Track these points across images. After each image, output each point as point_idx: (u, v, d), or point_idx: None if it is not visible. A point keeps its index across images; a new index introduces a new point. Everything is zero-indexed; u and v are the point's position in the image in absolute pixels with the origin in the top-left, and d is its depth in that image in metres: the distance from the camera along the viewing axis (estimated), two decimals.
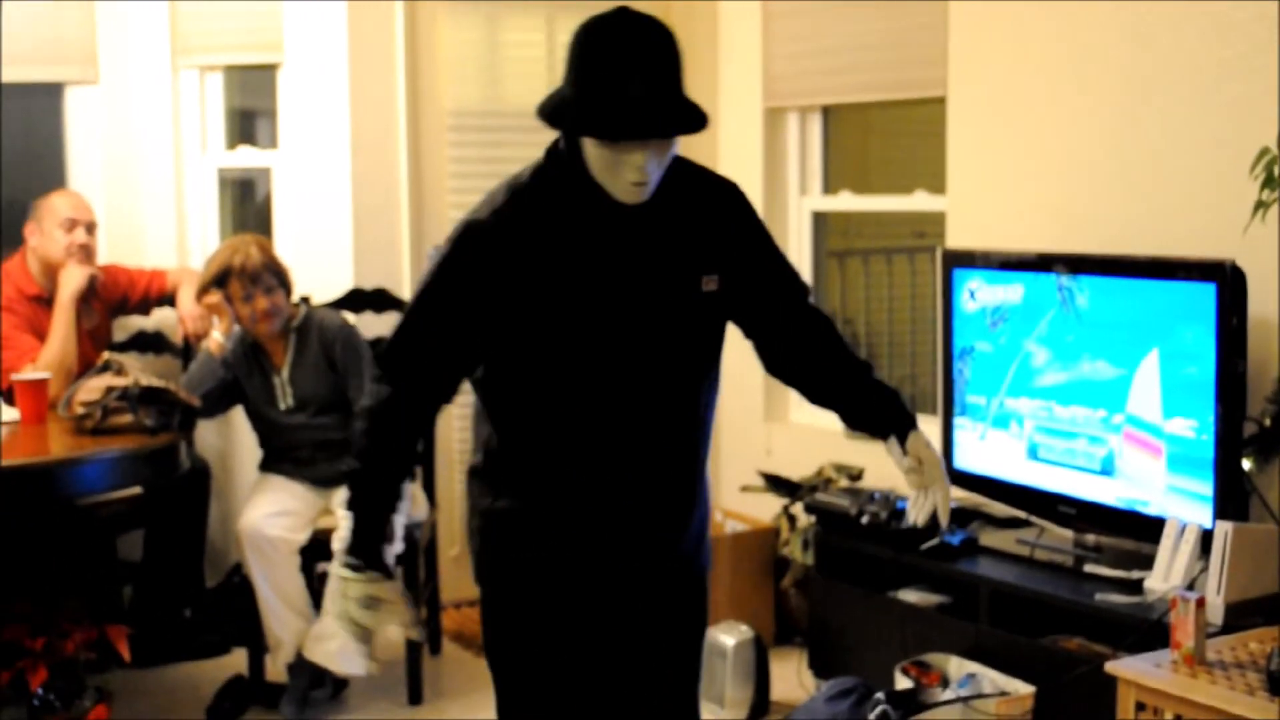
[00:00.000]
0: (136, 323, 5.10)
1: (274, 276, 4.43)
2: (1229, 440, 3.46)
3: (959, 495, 4.32)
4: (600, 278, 2.41)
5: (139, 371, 4.23)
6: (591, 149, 2.34)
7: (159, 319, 5.09)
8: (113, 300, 4.91)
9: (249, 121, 5.71)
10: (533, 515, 2.50)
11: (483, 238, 2.38)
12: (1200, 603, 2.97)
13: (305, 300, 4.68)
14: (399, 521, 4.35)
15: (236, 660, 4.67)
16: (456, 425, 5.38)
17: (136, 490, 4.67)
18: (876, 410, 2.66)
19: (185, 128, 5.39)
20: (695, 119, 2.33)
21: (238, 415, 4.74)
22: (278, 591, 4.33)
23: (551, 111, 2.37)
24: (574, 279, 2.39)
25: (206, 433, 5.13)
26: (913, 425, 2.64)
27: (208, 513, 4.97)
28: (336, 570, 2.47)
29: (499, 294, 2.38)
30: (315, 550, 4.40)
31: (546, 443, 2.47)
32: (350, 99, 5.19)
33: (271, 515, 4.35)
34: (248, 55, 5.36)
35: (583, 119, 2.31)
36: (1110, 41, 4.09)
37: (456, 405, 5.42)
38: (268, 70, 5.36)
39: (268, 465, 4.59)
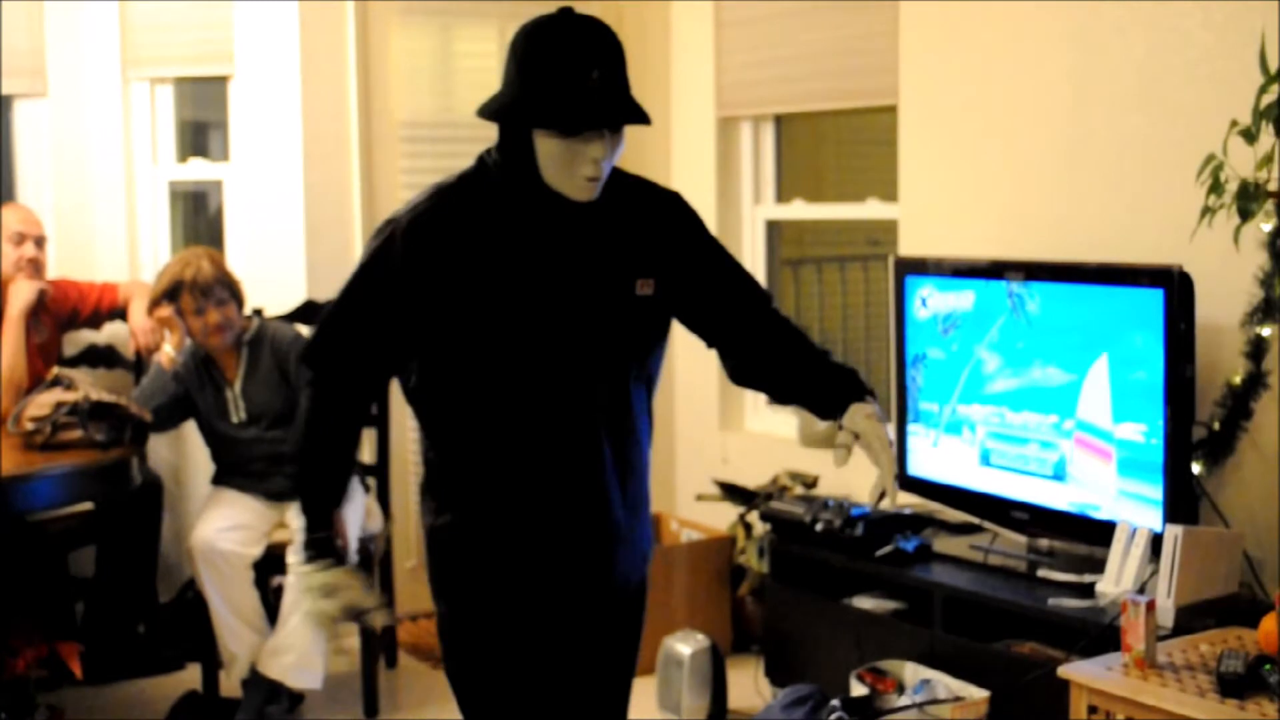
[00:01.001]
0: (87, 337, 5.06)
1: (226, 289, 4.41)
2: (1178, 444, 3.49)
3: (913, 502, 4.34)
4: (531, 276, 2.40)
5: (89, 386, 4.20)
6: (546, 144, 2.34)
7: (110, 333, 5.05)
8: (63, 315, 4.87)
9: (200, 133, 5.68)
10: (472, 529, 2.48)
11: (404, 233, 2.40)
12: (1151, 606, 2.99)
13: (258, 313, 4.66)
14: (351, 518, 4.36)
15: (191, 676, 4.63)
16: (411, 436, 5.37)
17: (88, 505, 4.63)
18: (833, 390, 2.55)
19: (136, 140, 5.35)
20: (644, 113, 2.36)
21: (190, 429, 4.71)
22: (231, 606, 4.30)
23: (501, 109, 2.37)
24: (503, 277, 2.38)
25: (159, 447, 5.09)
26: (859, 397, 2.52)
27: (160, 527, 4.93)
28: (294, 571, 2.49)
29: (422, 289, 2.38)
30: (269, 564, 4.37)
31: (478, 451, 2.45)
32: (302, 110, 5.17)
33: (224, 529, 4.32)
34: (198, 67, 5.33)
35: (543, 111, 2.31)
36: (1059, 50, 4.12)
37: (411, 417, 5.39)
38: (219, 82, 5.34)
39: (221, 479, 4.56)
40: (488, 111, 2.39)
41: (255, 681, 4.31)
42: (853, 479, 4.72)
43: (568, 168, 2.35)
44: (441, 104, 5.41)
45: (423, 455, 2.55)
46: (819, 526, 4.21)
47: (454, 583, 2.49)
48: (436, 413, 2.49)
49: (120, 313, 4.93)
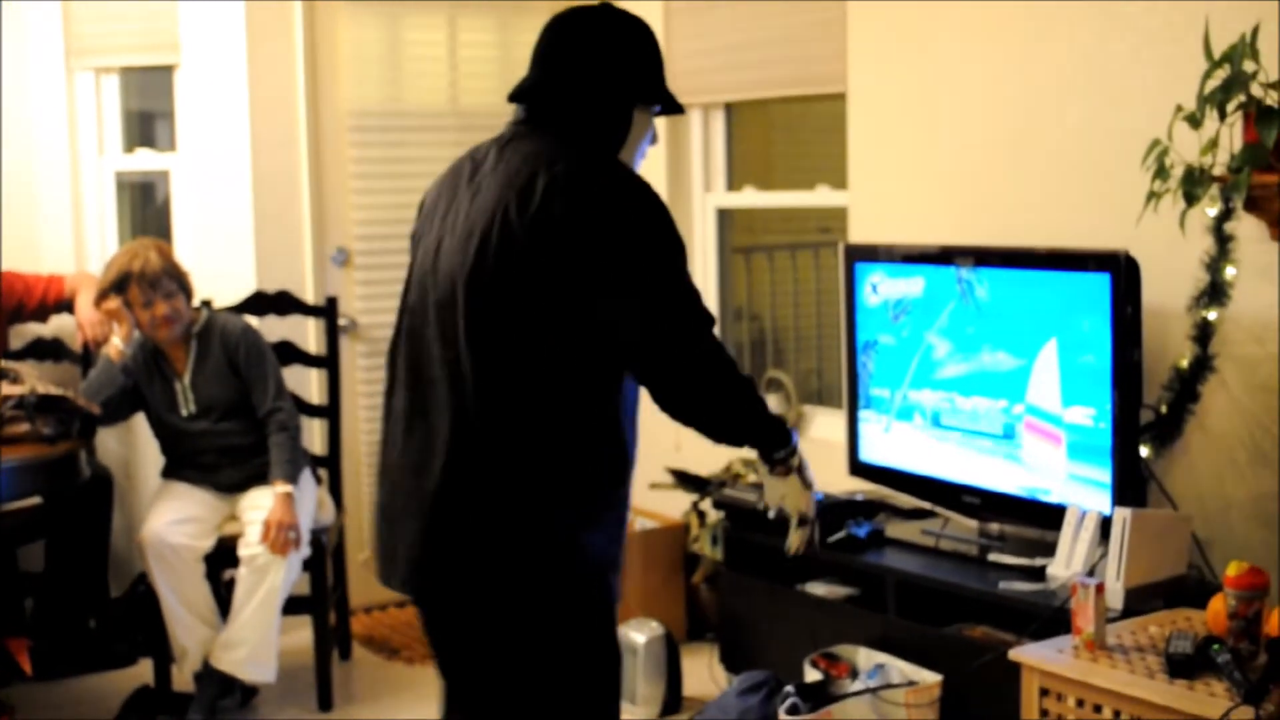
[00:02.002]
0: (34, 330, 5.01)
1: (174, 281, 4.37)
2: (1126, 428, 3.51)
3: (865, 487, 4.36)
4: None
5: (35, 379, 4.17)
6: (644, 123, 2.55)
7: (57, 326, 5.00)
8: (8, 307, 4.82)
9: (147, 124, 5.63)
10: (615, 524, 2.48)
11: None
12: (1100, 588, 3.02)
13: (206, 304, 4.62)
14: (303, 509, 4.37)
15: (143, 671, 4.60)
16: (363, 426, 5.35)
17: (36, 500, 4.59)
18: None
19: (81, 131, 5.30)
20: None
21: (140, 422, 4.67)
22: (183, 600, 4.27)
23: (629, 87, 2.50)
24: None
25: (108, 440, 5.05)
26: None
27: (110, 521, 4.89)
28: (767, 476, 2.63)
29: None
30: (220, 557, 4.35)
31: (619, 433, 2.48)
32: (249, 100, 5.13)
33: (175, 523, 4.29)
34: (144, 56, 5.28)
35: (663, 93, 2.56)
36: (1006, 37, 4.15)
37: (363, 409, 5.34)
38: (165, 71, 5.29)
39: (171, 472, 4.53)
40: (613, 89, 2.48)
41: (208, 676, 4.29)
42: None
43: (641, 146, 2.56)
44: (390, 93, 5.39)
45: (534, 464, 2.38)
46: (772, 514, 4.19)
47: (597, 593, 2.46)
48: (595, 396, 2.42)
49: (67, 305, 4.88)
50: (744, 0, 5.00)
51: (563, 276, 2.32)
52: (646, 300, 2.33)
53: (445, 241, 2.46)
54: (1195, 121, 3.18)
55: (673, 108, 2.59)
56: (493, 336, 2.36)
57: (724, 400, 2.44)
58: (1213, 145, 3.17)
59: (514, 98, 2.54)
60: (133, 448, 5.18)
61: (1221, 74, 3.11)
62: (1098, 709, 2.91)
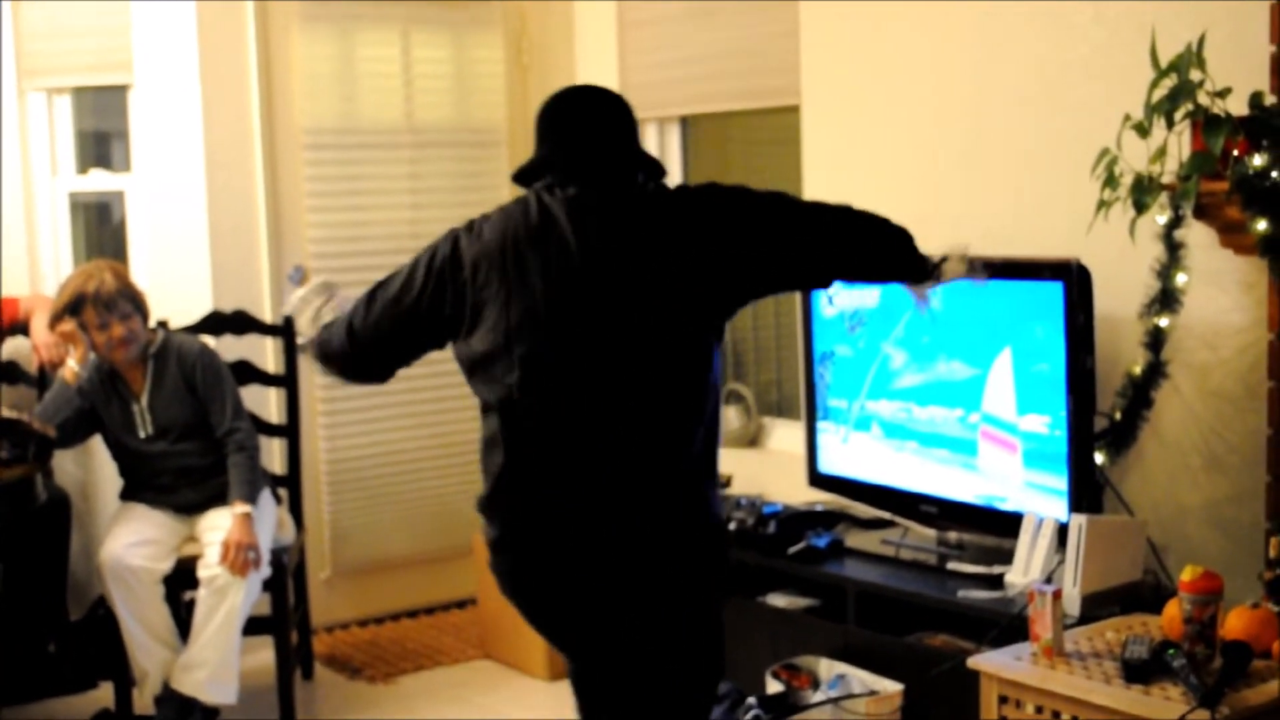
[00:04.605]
0: None
1: (129, 302, 4.35)
2: (1081, 435, 3.54)
3: (824, 498, 4.37)
4: None
5: None
6: None
7: (12, 348, 4.96)
8: None
9: (101, 144, 5.60)
10: None
11: None
12: (1057, 595, 3.04)
13: (163, 325, 4.61)
14: (263, 529, 4.34)
15: (103, 694, 4.56)
16: (323, 445, 5.33)
17: None
18: None
19: (34, 151, 5.26)
20: None
21: (98, 444, 4.64)
22: (142, 622, 4.25)
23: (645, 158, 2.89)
24: None
25: (65, 463, 5.00)
26: None
27: (69, 545, 4.83)
28: None
29: None
30: (180, 579, 4.32)
31: None
32: (203, 119, 5.12)
33: (133, 545, 4.27)
34: (96, 76, 5.25)
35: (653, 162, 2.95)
36: (958, 48, 4.18)
37: (322, 428, 5.31)
38: (119, 91, 5.27)
39: (129, 494, 4.50)
40: (634, 155, 2.84)
41: (168, 698, 4.26)
42: (766, 478, 4.75)
43: None
44: (345, 110, 5.38)
45: (693, 449, 2.75)
46: (732, 525, 4.22)
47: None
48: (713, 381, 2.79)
49: (22, 327, 4.84)
50: (697, 5, 5.02)
51: (714, 276, 2.71)
52: (808, 222, 2.83)
53: (564, 286, 2.68)
54: (1143, 130, 3.20)
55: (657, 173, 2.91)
56: (663, 353, 2.70)
57: (893, 238, 2.98)
58: (1161, 154, 3.20)
59: (562, 167, 2.77)
60: (90, 470, 5.14)
61: (1169, 83, 3.14)
62: (1056, 715, 2.92)
